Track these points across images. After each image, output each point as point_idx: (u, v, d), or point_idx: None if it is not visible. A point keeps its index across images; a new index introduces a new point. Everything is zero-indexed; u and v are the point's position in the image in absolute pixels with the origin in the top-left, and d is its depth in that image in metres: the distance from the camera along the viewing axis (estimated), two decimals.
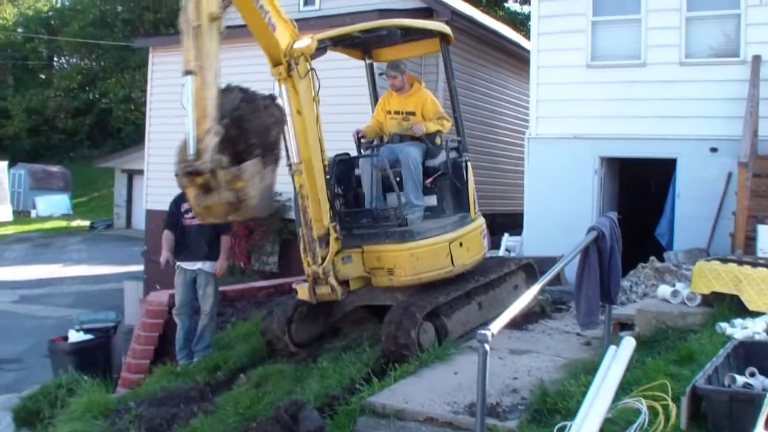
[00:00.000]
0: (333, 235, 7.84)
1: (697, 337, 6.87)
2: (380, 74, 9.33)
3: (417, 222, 8.20)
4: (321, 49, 8.54)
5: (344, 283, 8.09)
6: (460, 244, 8.31)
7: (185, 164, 5.89)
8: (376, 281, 8.20)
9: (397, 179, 8.36)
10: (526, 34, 20.72)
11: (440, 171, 8.44)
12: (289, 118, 7.32)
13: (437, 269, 8.11)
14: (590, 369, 6.41)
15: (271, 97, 6.62)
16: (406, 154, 8.26)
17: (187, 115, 5.86)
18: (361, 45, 9.20)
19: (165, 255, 9.55)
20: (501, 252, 12.52)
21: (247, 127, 6.22)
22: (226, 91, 6.42)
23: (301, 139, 7.50)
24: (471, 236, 8.59)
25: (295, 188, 7.69)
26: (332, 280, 7.85)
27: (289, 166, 7.54)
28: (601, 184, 12.56)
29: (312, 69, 7.54)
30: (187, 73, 5.90)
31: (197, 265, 9.34)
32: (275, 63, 7.33)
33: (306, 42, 7.33)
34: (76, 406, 8.02)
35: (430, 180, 8.31)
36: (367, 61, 9.65)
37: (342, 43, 8.89)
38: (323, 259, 7.78)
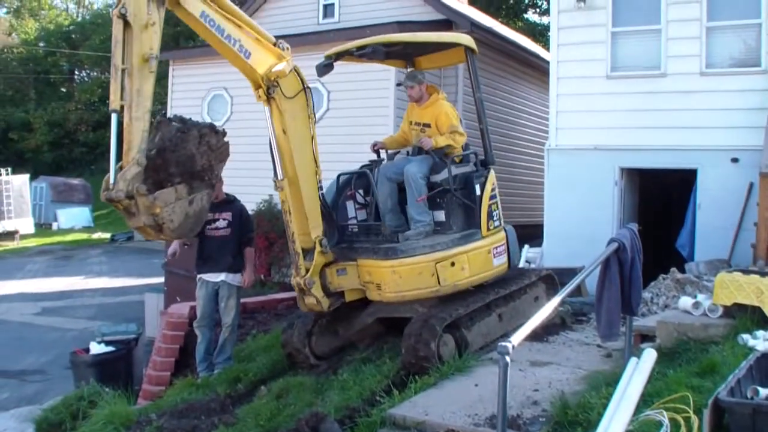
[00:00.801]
0: (318, 249, 7.92)
1: (719, 349, 6.82)
2: (397, 85, 9.37)
3: (416, 238, 8.12)
4: (327, 65, 8.60)
5: (339, 294, 8.17)
6: (452, 264, 8.13)
7: (106, 192, 6.47)
8: (369, 295, 8.24)
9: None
10: (546, 45, 20.74)
11: (443, 187, 8.34)
12: (272, 138, 7.64)
13: (422, 288, 8.00)
14: (611, 381, 6.36)
15: (210, 127, 7.09)
16: (407, 170, 8.25)
17: (111, 148, 6.44)
18: (402, 54, 9.25)
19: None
20: (521, 263, 12.48)
21: (168, 157, 6.73)
22: (167, 123, 7.00)
23: (286, 158, 7.60)
24: (471, 255, 8.37)
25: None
26: (316, 292, 7.96)
27: (275, 181, 7.79)
28: (622, 195, 12.52)
29: (306, 87, 7.64)
30: (112, 111, 6.33)
31: (220, 277, 9.32)
32: (255, 86, 7.47)
33: (281, 66, 7.37)
34: (98, 418, 8.05)
35: (422, 198, 8.18)
36: (408, 69, 9.67)
37: (343, 58, 8.89)
38: (307, 271, 7.89)
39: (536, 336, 8.34)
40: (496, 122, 17.16)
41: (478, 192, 8.56)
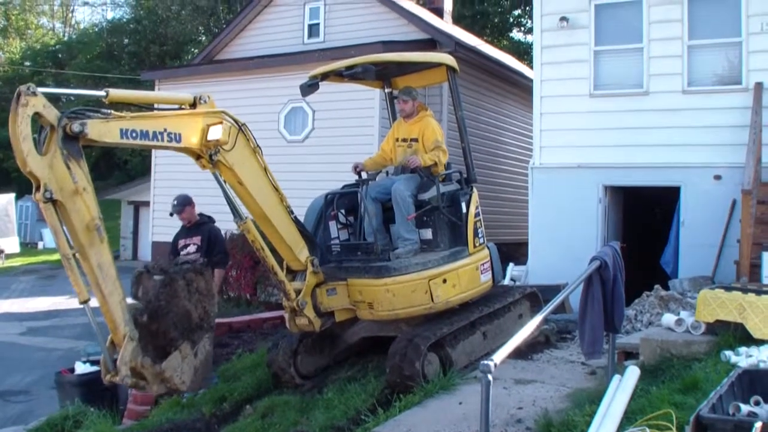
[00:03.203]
0: (309, 269, 7.89)
1: (701, 366, 6.85)
2: (394, 97, 9.41)
3: (406, 256, 8.14)
4: (312, 85, 8.62)
5: (329, 314, 8.14)
6: (444, 281, 8.17)
7: (109, 376, 5.91)
8: (360, 314, 8.25)
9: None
10: (531, 64, 20.87)
11: (431, 205, 8.37)
12: (229, 191, 7.25)
13: (415, 306, 8.02)
14: (595, 398, 6.37)
15: (195, 269, 6.58)
16: (395, 189, 8.27)
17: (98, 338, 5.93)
18: (381, 74, 9.26)
19: None
20: (506, 281, 12.52)
21: (165, 321, 6.22)
22: (147, 276, 6.45)
23: (248, 201, 7.38)
24: (461, 272, 8.43)
25: None
26: (309, 313, 7.91)
27: (237, 224, 7.49)
28: (606, 212, 12.59)
29: (241, 127, 7.10)
30: (82, 303, 5.62)
31: None
32: (195, 158, 6.96)
33: (216, 134, 6.77)
34: None
35: (411, 216, 8.21)
36: (386, 90, 9.77)
37: (329, 78, 8.92)
38: (298, 293, 7.85)
39: (520, 354, 8.37)
40: (480, 140, 17.25)
41: (464, 210, 8.60)
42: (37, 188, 5.50)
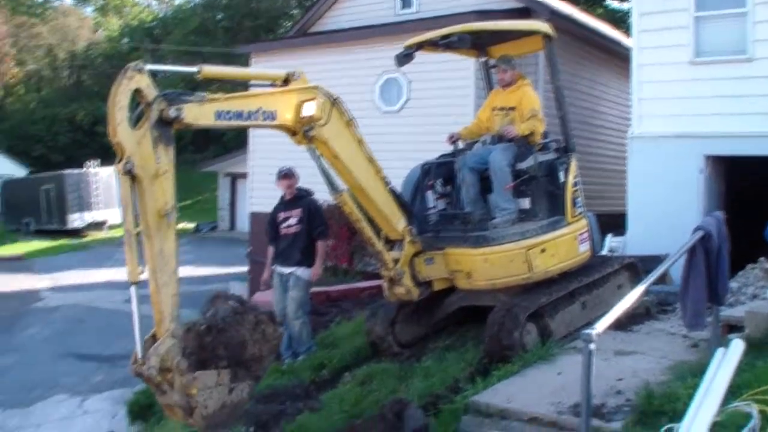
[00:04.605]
0: (407, 239, 7.97)
1: None
2: (491, 67, 9.37)
3: (503, 226, 8.12)
4: (408, 55, 8.65)
5: (427, 283, 8.21)
6: (542, 251, 8.16)
7: (135, 366, 5.74)
8: (458, 283, 8.28)
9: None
10: (627, 32, 20.41)
11: (529, 174, 8.35)
12: (325, 166, 7.34)
13: (513, 275, 8.02)
14: (697, 371, 6.29)
15: (269, 316, 6.45)
16: (492, 159, 8.25)
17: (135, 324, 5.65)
18: (476, 44, 9.16)
19: (266, 275, 9.88)
20: (604, 252, 12.38)
21: (219, 337, 6.05)
22: (224, 300, 6.35)
23: (344, 174, 7.45)
24: (559, 241, 8.41)
25: None
26: (407, 282, 8.00)
27: (333, 197, 7.61)
28: (707, 183, 12.29)
29: (334, 101, 7.13)
30: (132, 285, 5.57)
31: (291, 270, 9.60)
32: (290, 135, 7.02)
33: (311, 109, 6.83)
34: None
35: (511, 185, 8.18)
36: (481, 59, 9.72)
37: (424, 48, 8.91)
38: (396, 262, 7.94)
39: (620, 325, 8.28)
40: (576, 110, 16.98)
41: (562, 179, 8.56)
42: (120, 159, 5.57)
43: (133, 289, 5.57)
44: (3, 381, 15.26)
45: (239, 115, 6.31)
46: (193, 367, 5.84)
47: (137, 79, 5.60)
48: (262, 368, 6.42)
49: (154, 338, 5.74)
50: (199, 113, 6.00)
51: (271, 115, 6.60)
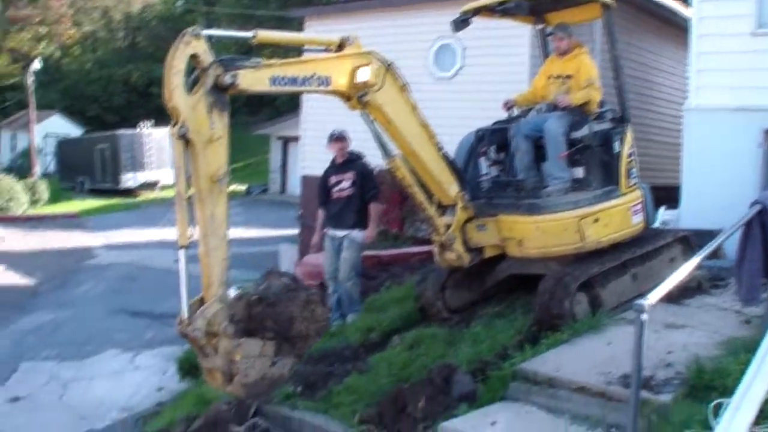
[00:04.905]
0: (459, 204, 7.99)
1: None
2: (548, 34, 9.28)
3: (556, 195, 8.09)
4: (464, 21, 8.62)
5: (478, 250, 8.22)
6: (595, 220, 8.09)
7: (182, 326, 5.81)
8: (509, 251, 8.26)
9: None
10: (685, 1, 20.01)
11: (583, 143, 8.26)
12: (379, 132, 7.38)
13: (565, 244, 7.97)
14: (750, 347, 6.19)
15: (320, 298, 6.56)
16: (547, 127, 8.19)
17: (182, 286, 5.70)
18: (534, 11, 9.09)
19: (316, 238, 9.94)
20: (657, 225, 12.25)
21: (268, 309, 6.15)
22: (277, 276, 6.53)
23: (397, 139, 7.48)
24: (612, 212, 8.33)
25: None
26: (458, 248, 8.03)
27: (386, 162, 7.69)
28: (766, 158, 12.05)
29: (389, 66, 7.13)
30: (180, 248, 5.65)
31: (345, 233, 9.66)
32: (345, 100, 7.05)
33: (366, 75, 6.84)
34: None
35: (565, 154, 8.12)
36: (538, 27, 9.63)
37: (480, 14, 8.84)
38: (447, 228, 7.95)
39: (671, 298, 8.19)
40: (632, 81, 16.69)
41: (617, 149, 8.47)
42: (175, 123, 5.65)
43: (182, 253, 5.65)
44: (58, 335, 15.67)
45: (294, 81, 6.37)
46: (239, 334, 5.94)
47: (194, 44, 5.67)
48: (307, 347, 6.50)
49: (201, 301, 5.84)
50: (255, 79, 6.06)
51: (326, 81, 6.64)
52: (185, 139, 5.65)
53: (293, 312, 6.24)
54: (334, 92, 6.85)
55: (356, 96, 6.87)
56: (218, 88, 5.78)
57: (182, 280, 5.69)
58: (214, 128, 5.76)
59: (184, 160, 5.70)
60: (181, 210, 5.67)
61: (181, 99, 5.63)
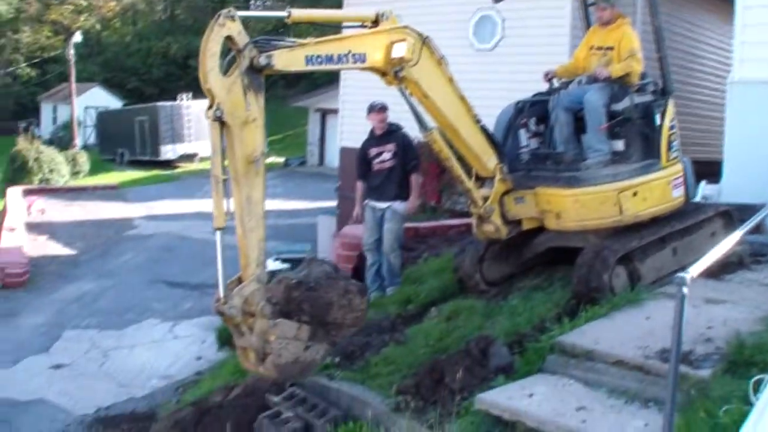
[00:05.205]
0: (498, 176, 7.96)
1: None
2: (590, 5, 9.17)
3: (596, 167, 8.02)
4: None
5: (516, 222, 8.20)
6: (634, 194, 8.00)
7: (218, 304, 5.90)
8: (547, 223, 8.21)
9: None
10: None
11: (624, 116, 8.16)
12: (416, 105, 7.36)
13: (603, 218, 7.90)
14: None
15: (360, 288, 6.56)
16: (587, 99, 8.11)
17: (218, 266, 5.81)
18: None
19: (357, 210, 9.95)
20: (698, 199, 12.11)
21: (307, 294, 6.20)
22: (319, 263, 6.62)
23: (434, 112, 7.46)
24: (652, 185, 8.24)
25: None
26: (495, 220, 8.01)
27: (423, 135, 7.69)
28: None
29: (424, 40, 7.06)
30: (216, 230, 5.74)
31: (387, 204, 9.67)
32: (380, 75, 7.05)
33: (401, 51, 6.79)
34: None
35: (605, 126, 8.03)
36: None
37: None
38: (485, 200, 7.95)
39: (711, 273, 8.07)
40: (674, 53, 16.48)
41: (658, 122, 8.35)
42: (210, 105, 5.70)
43: (218, 234, 5.76)
44: (99, 304, 15.90)
45: (329, 59, 6.36)
46: (276, 315, 6.02)
47: (229, 26, 5.69)
48: (341, 335, 6.55)
49: (239, 281, 5.93)
50: (290, 59, 6.08)
51: (361, 58, 6.62)
52: (221, 122, 5.71)
53: (331, 298, 6.30)
54: (370, 68, 6.85)
55: (392, 71, 6.85)
56: (253, 70, 5.82)
57: (219, 260, 5.79)
58: (249, 110, 5.82)
59: (220, 142, 5.76)
60: (218, 192, 5.72)
61: (217, 81, 5.69)
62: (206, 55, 5.65)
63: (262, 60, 5.80)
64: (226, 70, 5.80)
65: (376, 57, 6.72)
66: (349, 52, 6.51)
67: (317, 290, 6.29)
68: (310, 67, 6.33)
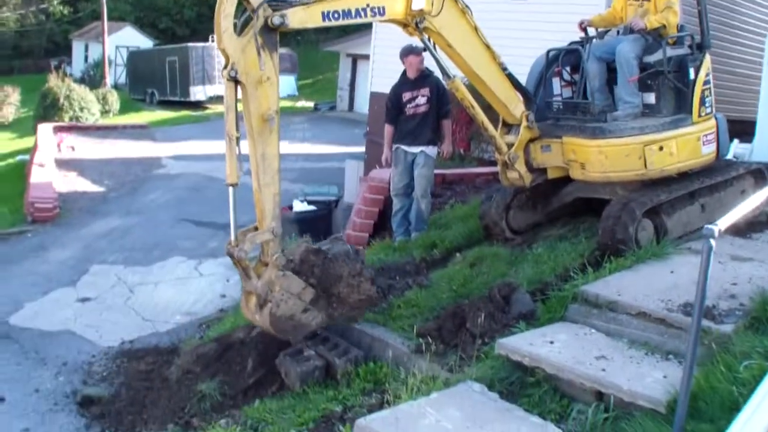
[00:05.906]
0: (524, 124, 7.97)
1: None
2: None
3: (624, 119, 7.93)
4: None
5: (541, 170, 8.23)
6: (660, 148, 7.87)
7: (230, 246, 6.16)
8: (572, 173, 8.17)
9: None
10: None
11: (656, 68, 8.03)
12: (440, 57, 7.35)
13: (627, 171, 7.82)
14: None
15: (372, 276, 6.78)
16: (619, 50, 8.00)
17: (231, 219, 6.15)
18: None
19: (386, 153, 9.91)
20: (729, 157, 11.97)
21: (320, 261, 6.45)
22: (343, 243, 6.93)
23: (458, 62, 7.44)
24: (680, 141, 8.08)
25: None
26: (519, 167, 8.04)
27: (446, 83, 7.69)
28: None
29: None
30: (230, 185, 5.95)
31: (420, 149, 9.61)
32: (402, 27, 7.07)
33: (421, 3, 6.80)
34: None
35: (636, 78, 7.91)
36: None
37: None
38: (510, 146, 7.97)
39: (738, 231, 8.04)
40: (713, 8, 16.19)
41: (692, 76, 8.19)
42: (226, 65, 5.83)
43: (231, 190, 5.97)
44: (126, 241, 16.10)
45: (347, 14, 6.41)
46: (287, 269, 6.29)
47: None
48: (339, 312, 6.77)
49: (255, 230, 6.27)
50: (305, 16, 6.14)
51: (380, 11, 6.66)
52: (235, 81, 5.84)
53: (342, 273, 6.57)
54: (390, 20, 6.86)
55: (413, 23, 6.86)
56: (268, 29, 5.88)
57: (231, 213, 6.12)
58: (263, 69, 5.92)
59: (234, 101, 5.88)
60: (231, 149, 5.88)
61: (231, 42, 5.79)
62: (221, 15, 5.73)
63: (277, 19, 5.86)
64: (241, 30, 5.87)
65: (396, 9, 6.74)
66: (368, 5, 6.54)
67: (332, 262, 6.55)
68: (327, 23, 6.37)
